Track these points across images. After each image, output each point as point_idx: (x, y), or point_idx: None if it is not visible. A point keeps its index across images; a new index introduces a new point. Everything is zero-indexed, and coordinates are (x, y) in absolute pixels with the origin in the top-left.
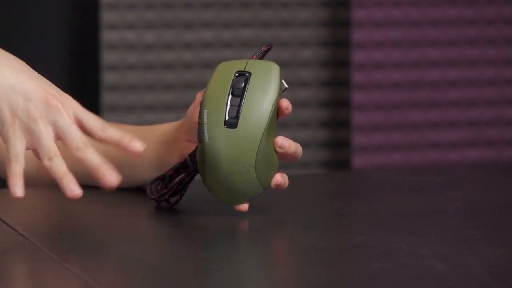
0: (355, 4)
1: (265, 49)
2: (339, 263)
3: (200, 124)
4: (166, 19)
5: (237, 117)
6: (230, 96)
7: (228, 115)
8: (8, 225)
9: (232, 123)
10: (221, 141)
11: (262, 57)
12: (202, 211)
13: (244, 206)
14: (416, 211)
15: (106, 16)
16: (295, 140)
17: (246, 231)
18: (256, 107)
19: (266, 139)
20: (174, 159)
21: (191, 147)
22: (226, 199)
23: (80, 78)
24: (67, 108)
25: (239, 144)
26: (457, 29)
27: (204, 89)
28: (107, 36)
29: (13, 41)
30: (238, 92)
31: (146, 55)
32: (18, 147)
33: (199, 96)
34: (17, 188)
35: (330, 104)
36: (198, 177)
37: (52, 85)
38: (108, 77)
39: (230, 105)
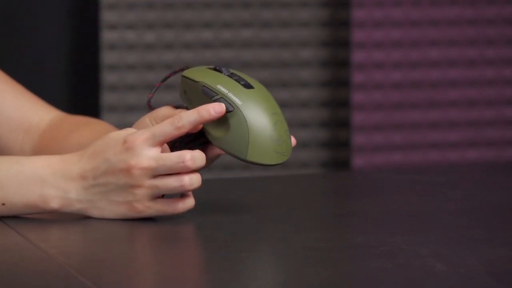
0: (355, 4)
1: (178, 70)
2: (339, 263)
3: (214, 98)
4: (166, 19)
5: (246, 82)
6: (223, 69)
7: (239, 82)
8: (8, 225)
9: (248, 85)
10: (254, 98)
11: (165, 79)
12: (201, 211)
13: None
14: (416, 211)
15: (106, 16)
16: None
17: (245, 231)
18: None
19: None
20: None
21: None
22: (274, 155)
23: (80, 78)
24: (137, 170)
25: (266, 99)
26: (457, 29)
27: (150, 112)
28: (107, 36)
29: (13, 41)
30: (225, 71)
31: (146, 55)
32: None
33: (145, 117)
34: None
35: (330, 104)
36: None
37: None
38: (108, 77)
39: (229, 77)
